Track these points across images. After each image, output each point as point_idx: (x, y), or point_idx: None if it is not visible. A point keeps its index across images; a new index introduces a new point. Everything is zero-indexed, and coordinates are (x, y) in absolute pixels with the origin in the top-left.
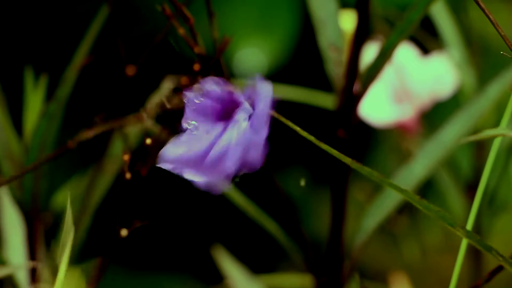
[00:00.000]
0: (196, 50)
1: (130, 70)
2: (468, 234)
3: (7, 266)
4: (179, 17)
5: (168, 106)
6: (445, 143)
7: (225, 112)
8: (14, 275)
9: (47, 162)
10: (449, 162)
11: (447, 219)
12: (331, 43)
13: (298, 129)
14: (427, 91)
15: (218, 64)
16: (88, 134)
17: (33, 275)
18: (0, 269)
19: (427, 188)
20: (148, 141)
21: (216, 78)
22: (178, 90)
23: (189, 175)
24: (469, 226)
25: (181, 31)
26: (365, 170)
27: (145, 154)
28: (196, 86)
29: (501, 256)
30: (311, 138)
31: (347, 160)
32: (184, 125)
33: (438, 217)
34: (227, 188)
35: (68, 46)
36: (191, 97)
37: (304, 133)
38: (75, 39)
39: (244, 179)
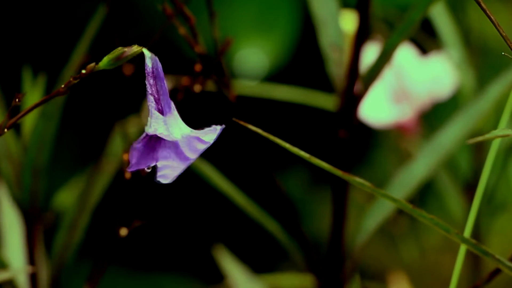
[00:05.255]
0: (197, 49)
1: (128, 70)
2: (464, 240)
3: (7, 268)
4: (180, 16)
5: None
6: (445, 144)
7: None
8: (14, 277)
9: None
10: (448, 162)
11: (442, 226)
12: (332, 43)
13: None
14: (426, 91)
15: (219, 65)
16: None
17: (32, 275)
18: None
19: (427, 188)
20: None
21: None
22: (178, 90)
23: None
24: (468, 226)
25: (182, 30)
26: (356, 181)
27: None
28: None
29: (499, 260)
30: (286, 145)
31: (337, 172)
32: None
33: (432, 224)
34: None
35: (66, 46)
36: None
37: (280, 142)
38: (73, 38)
39: (245, 179)
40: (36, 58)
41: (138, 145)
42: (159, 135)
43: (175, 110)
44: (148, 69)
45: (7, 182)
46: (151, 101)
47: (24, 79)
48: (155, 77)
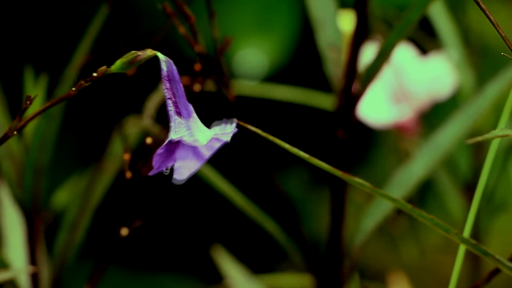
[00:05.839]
0: (197, 49)
1: (131, 70)
2: (464, 240)
3: (8, 268)
4: (180, 16)
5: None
6: (444, 144)
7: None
8: (15, 277)
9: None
10: (448, 162)
11: (442, 226)
12: (330, 43)
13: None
14: (425, 91)
15: (218, 64)
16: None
17: (34, 275)
18: (0, 271)
19: (426, 188)
20: (148, 140)
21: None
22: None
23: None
24: (467, 226)
25: (182, 30)
26: (356, 181)
27: (145, 153)
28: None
29: (498, 260)
30: (286, 146)
31: (337, 172)
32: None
33: (432, 224)
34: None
35: (68, 46)
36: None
37: (280, 142)
38: (75, 38)
39: (245, 179)
40: (38, 58)
41: (161, 151)
42: (184, 142)
43: (194, 112)
44: (163, 73)
45: (8, 182)
46: (170, 106)
47: (25, 79)
48: (170, 81)
